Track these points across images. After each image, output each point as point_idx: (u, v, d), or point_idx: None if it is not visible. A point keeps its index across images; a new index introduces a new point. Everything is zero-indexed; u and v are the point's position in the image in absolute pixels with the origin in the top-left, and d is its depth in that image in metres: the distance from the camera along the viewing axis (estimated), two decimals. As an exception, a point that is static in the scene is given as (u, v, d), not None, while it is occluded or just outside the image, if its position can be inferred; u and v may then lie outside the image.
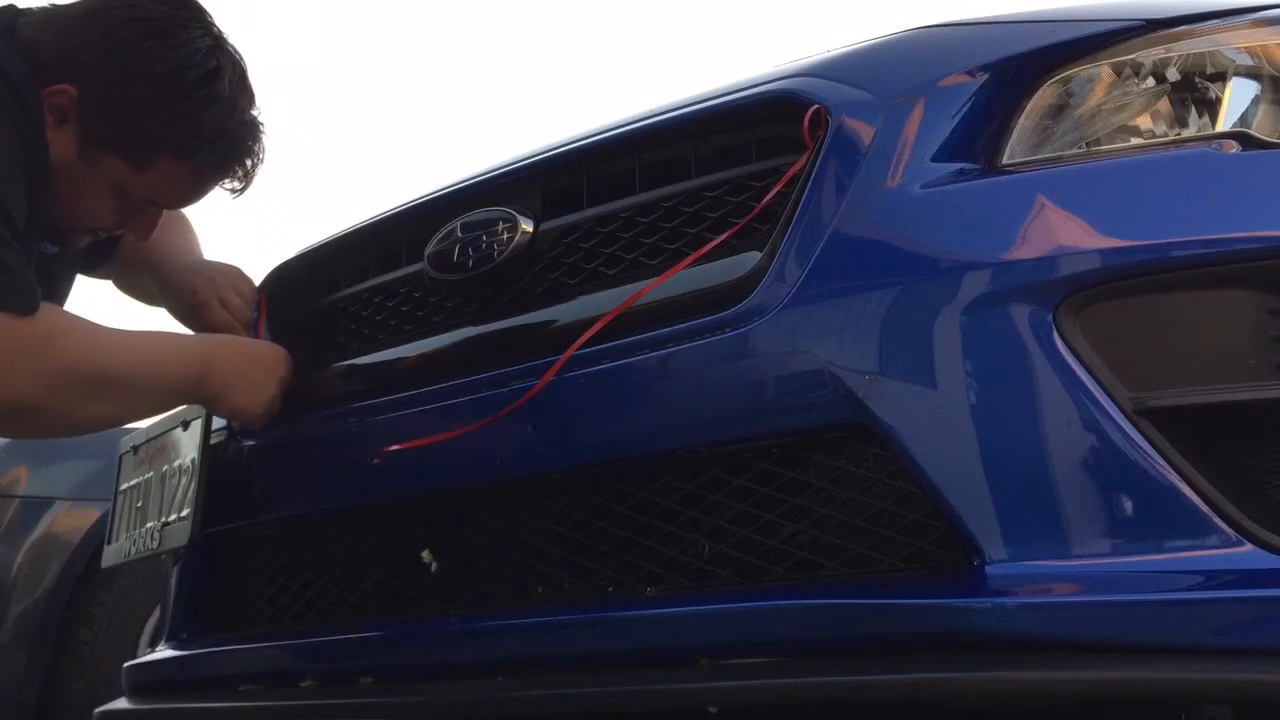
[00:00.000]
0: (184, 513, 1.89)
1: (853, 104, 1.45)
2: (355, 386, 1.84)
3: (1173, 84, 1.41)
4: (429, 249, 1.77)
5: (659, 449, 1.46)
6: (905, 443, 1.29)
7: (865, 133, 1.42)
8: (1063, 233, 1.29)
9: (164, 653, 2.05)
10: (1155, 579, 1.22)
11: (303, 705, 1.75)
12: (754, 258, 1.45)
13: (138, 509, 2.06)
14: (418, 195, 1.92)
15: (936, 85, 1.44)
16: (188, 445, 1.95)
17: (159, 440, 2.05)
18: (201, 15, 1.88)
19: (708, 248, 1.49)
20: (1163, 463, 1.23)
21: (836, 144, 1.42)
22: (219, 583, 2.03)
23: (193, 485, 1.89)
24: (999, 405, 1.27)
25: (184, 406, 1.95)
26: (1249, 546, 1.22)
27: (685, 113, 1.62)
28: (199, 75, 1.82)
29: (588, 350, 1.51)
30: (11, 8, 1.88)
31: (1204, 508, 1.22)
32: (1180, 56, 1.41)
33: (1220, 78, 1.40)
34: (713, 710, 1.36)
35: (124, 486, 2.13)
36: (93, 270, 2.15)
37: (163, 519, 1.95)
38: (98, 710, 2.06)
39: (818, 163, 1.43)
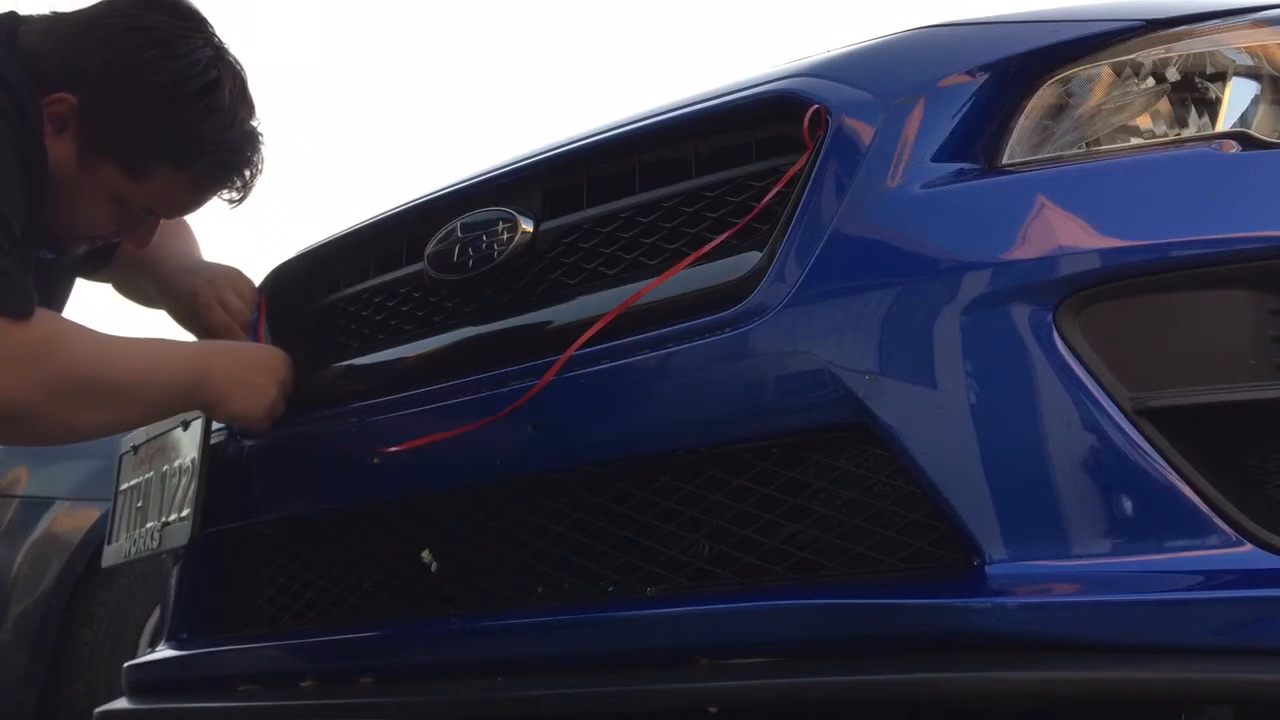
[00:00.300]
0: (184, 513, 1.89)
1: (853, 104, 1.45)
2: (355, 386, 1.84)
3: (1173, 84, 1.41)
4: (429, 249, 1.77)
5: (659, 449, 1.46)
6: (905, 443, 1.29)
7: (865, 133, 1.42)
8: (1062, 233, 1.29)
9: (164, 653, 2.05)
10: (1155, 579, 1.22)
11: (303, 705, 1.75)
12: (754, 258, 1.45)
13: (138, 509, 2.06)
14: (418, 195, 1.92)
15: (936, 85, 1.44)
16: (188, 445, 1.95)
17: (159, 440, 2.05)
18: (202, 26, 1.88)
19: (708, 248, 1.49)
20: (1163, 463, 1.23)
21: (836, 144, 1.42)
22: (219, 583, 2.03)
23: (193, 485, 1.89)
24: (999, 405, 1.27)
25: (184, 410, 1.94)
26: (1249, 546, 1.22)
27: (685, 113, 1.62)
28: (199, 86, 1.82)
29: (588, 350, 1.51)
30: (13, 15, 1.87)
31: (1204, 508, 1.22)
32: (1180, 56, 1.41)
33: (1220, 78, 1.40)
34: (713, 710, 1.36)
35: (124, 486, 2.13)
36: (92, 273, 2.15)
37: (163, 519, 1.95)
38: (98, 710, 2.06)
39: (818, 163, 1.43)
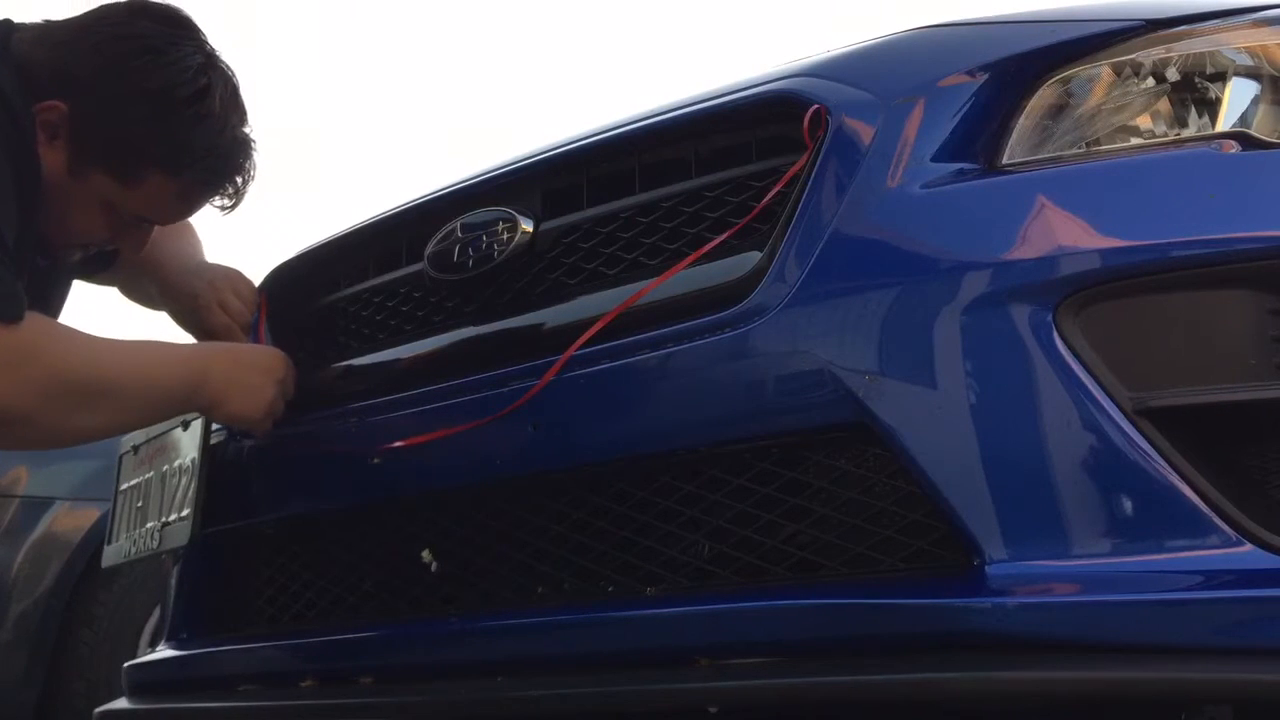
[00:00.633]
0: (184, 513, 1.89)
1: (853, 104, 1.45)
2: (355, 386, 1.84)
3: (1173, 84, 1.41)
4: (429, 249, 1.77)
5: (659, 449, 1.46)
6: (905, 443, 1.29)
7: (865, 133, 1.42)
8: (1062, 233, 1.29)
9: (164, 653, 2.05)
10: (1155, 579, 1.22)
11: (303, 705, 1.75)
12: (754, 258, 1.45)
13: (138, 509, 2.06)
14: (418, 195, 1.92)
15: (936, 85, 1.44)
16: (188, 445, 1.95)
17: (159, 440, 2.05)
18: (194, 33, 1.88)
19: (708, 248, 1.49)
20: (1163, 463, 1.23)
21: (836, 144, 1.42)
22: (219, 583, 2.03)
23: (193, 485, 1.89)
24: (999, 405, 1.27)
25: (184, 410, 1.94)
26: (1249, 546, 1.22)
27: (685, 113, 1.62)
28: (190, 92, 1.81)
29: (588, 350, 1.51)
30: (7, 22, 1.87)
31: (1204, 508, 1.22)
32: (1180, 56, 1.41)
33: (1220, 78, 1.40)
34: (713, 710, 1.36)
35: (124, 486, 2.13)
36: (95, 276, 2.15)
37: (163, 519, 1.95)
38: (98, 710, 2.06)
39: (818, 163, 1.43)
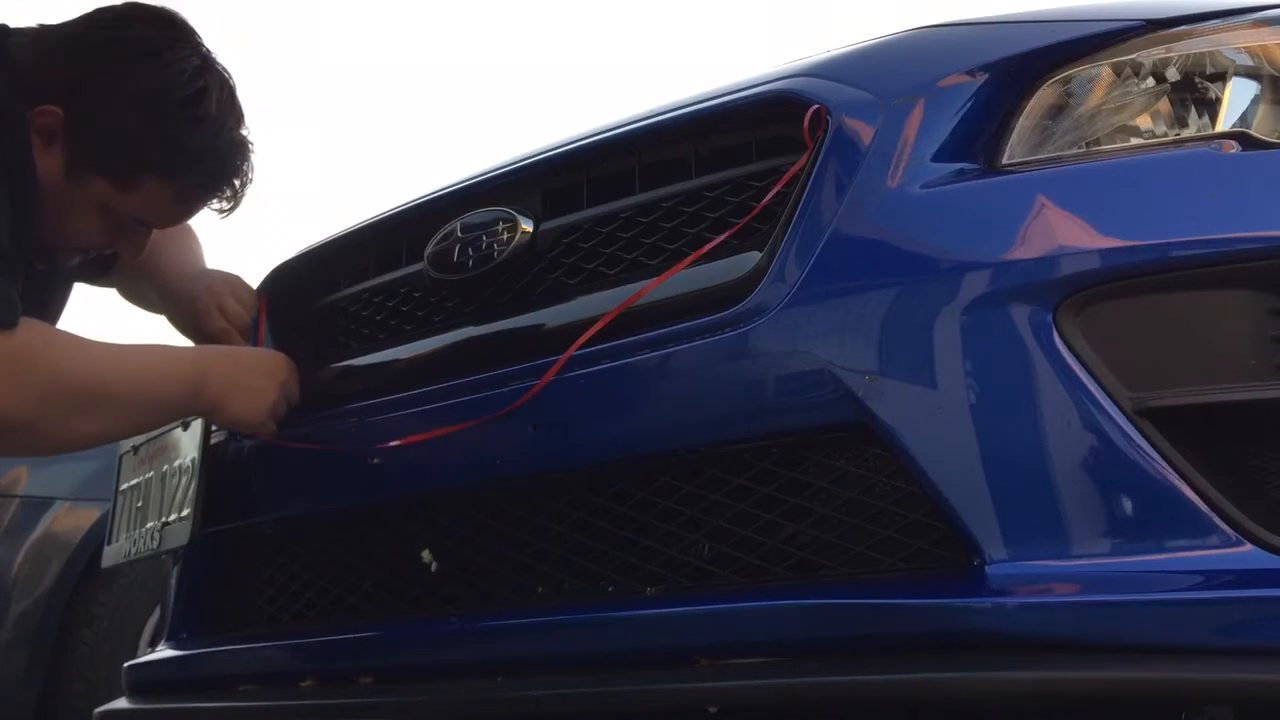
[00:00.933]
0: (184, 513, 1.89)
1: (853, 104, 1.45)
2: (355, 386, 1.84)
3: (1173, 84, 1.41)
4: (429, 249, 1.77)
5: (659, 449, 1.46)
6: (905, 443, 1.29)
7: (865, 133, 1.42)
8: (1062, 233, 1.29)
9: (164, 653, 2.05)
10: (1155, 579, 1.22)
11: (303, 705, 1.75)
12: (754, 258, 1.45)
13: (138, 509, 2.06)
14: (418, 195, 1.92)
15: (936, 85, 1.44)
16: (188, 445, 1.95)
17: (159, 440, 2.05)
18: (190, 36, 1.87)
19: (708, 248, 1.49)
20: (1163, 463, 1.23)
21: (836, 144, 1.42)
22: (219, 583, 2.03)
23: (193, 485, 1.89)
24: (999, 405, 1.27)
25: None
26: (1249, 546, 1.22)
27: (685, 113, 1.62)
28: (186, 95, 1.81)
29: (588, 350, 1.51)
30: (2, 27, 1.87)
31: (1204, 508, 1.22)
32: (1180, 56, 1.41)
33: (1220, 78, 1.40)
34: (713, 710, 1.36)
35: (124, 486, 2.13)
36: (96, 279, 2.15)
37: (163, 519, 1.95)
38: (98, 710, 2.06)
39: (818, 163, 1.43)
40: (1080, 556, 1.23)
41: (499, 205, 1.73)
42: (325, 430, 1.80)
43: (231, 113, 1.88)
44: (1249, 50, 1.41)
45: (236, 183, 1.91)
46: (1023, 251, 1.29)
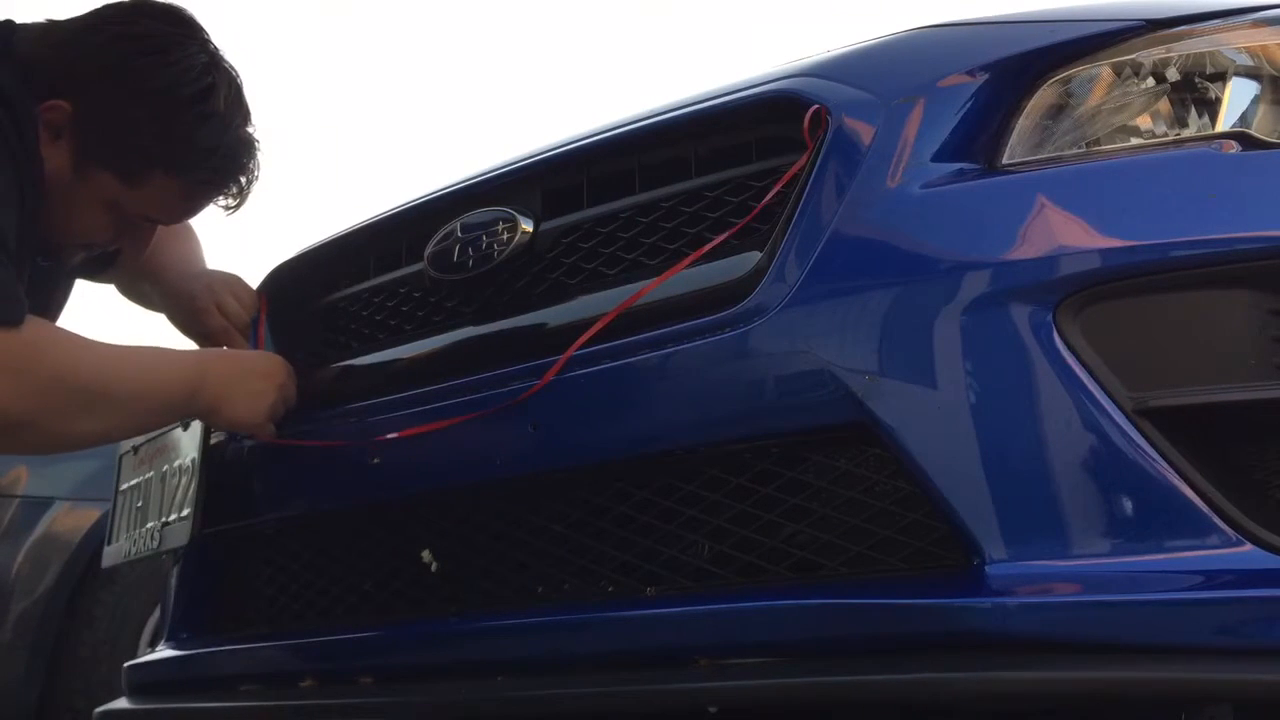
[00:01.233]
0: (184, 513, 1.89)
1: (853, 104, 1.45)
2: (355, 386, 1.84)
3: (1173, 84, 1.41)
4: (429, 249, 1.77)
5: (659, 449, 1.46)
6: (905, 443, 1.29)
7: (865, 133, 1.42)
8: (1063, 233, 1.29)
9: (164, 653, 2.05)
10: (1155, 579, 1.22)
11: (303, 705, 1.75)
12: (754, 258, 1.45)
13: (138, 509, 2.06)
14: (418, 195, 1.92)
15: (936, 85, 1.44)
16: (188, 445, 1.95)
17: (159, 440, 2.05)
18: (197, 32, 1.88)
19: (708, 248, 1.49)
20: (1163, 463, 1.23)
21: (836, 144, 1.43)
22: (219, 583, 2.03)
23: (193, 485, 1.89)
24: (999, 405, 1.27)
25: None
26: (1249, 546, 1.22)
27: (685, 113, 1.62)
28: (193, 92, 1.81)
29: (588, 350, 1.51)
30: (9, 22, 1.87)
31: (1204, 508, 1.22)
32: (1180, 56, 1.41)
33: (1220, 78, 1.40)
34: (713, 710, 1.36)
35: (124, 486, 2.13)
36: (96, 276, 2.15)
37: (163, 519, 1.95)
38: (98, 710, 2.06)
39: (818, 163, 1.43)
40: (1080, 556, 1.23)
41: (499, 205, 1.73)
42: (326, 430, 1.80)
43: (239, 110, 1.88)
44: (1249, 50, 1.41)
45: (243, 180, 1.91)
46: (1023, 251, 1.29)
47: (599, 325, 1.51)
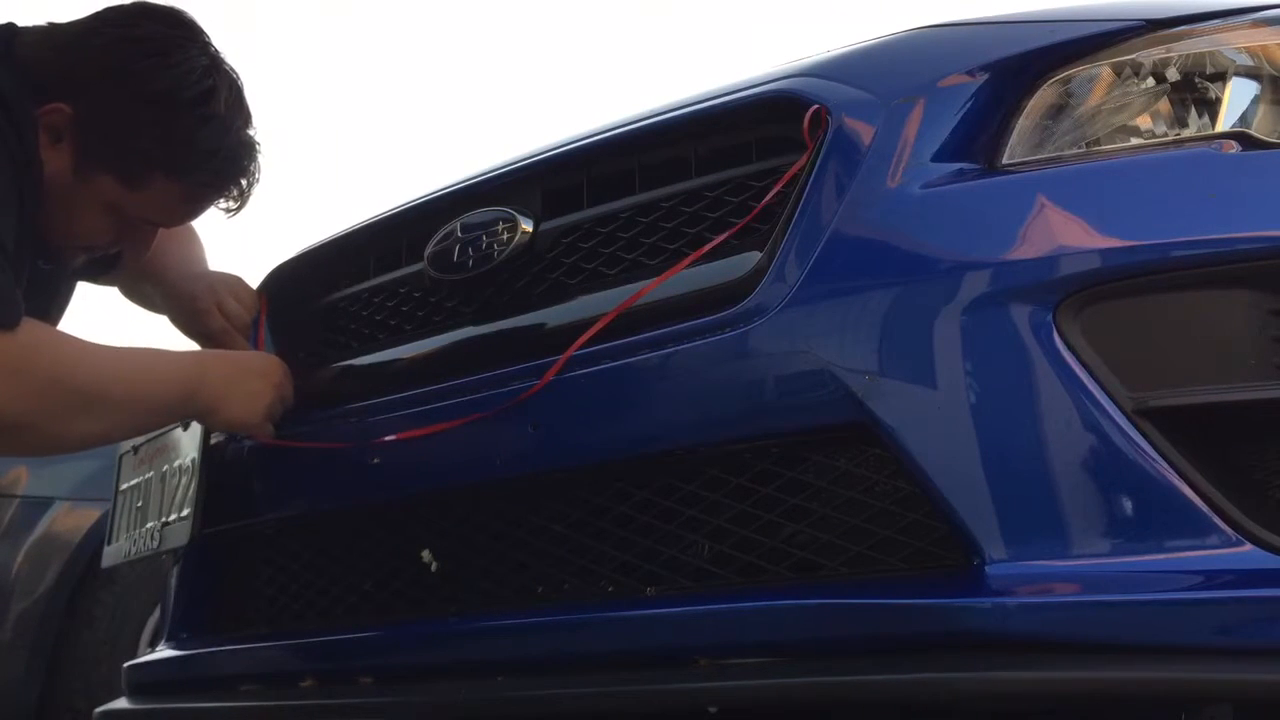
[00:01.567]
0: (184, 513, 1.89)
1: (853, 104, 1.45)
2: (355, 387, 1.84)
3: (1173, 84, 1.41)
4: (429, 249, 1.77)
5: (659, 449, 1.46)
6: (905, 443, 1.29)
7: (865, 133, 1.42)
8: (1063, 233, 1.29)
9: (164, 653, 2.05)
10: (1155, 579, 1.22)
11: (303, 705, 1.75)
12: (754, 258, 1.45)
13: (138, 509, 2.06)
14: (418, 195, 1.92)
15: (936, 85, 1.44)
16: (188, 445, 1.95)
17: (159, 440, 2.05)
18: (198, 35, 1.87)
19: (708, 248, 1.49)
20: (1163, 463, 1.23)
21: (836, 144, 1.42)
22: (219, 583, 2.03)
23: (193, 485, 1.89)
24: (999, 405, 1.27)
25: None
26: (1249, 546, 1.22)
27: (685, 113, 1.62)
28: (194, 94, 1.81)
29: (588, 350, 1.51)
30: (10, 25, 1.87)
31: (1204, 508, 1.22)
32: (1180, 56, 1.41)
33: (1220, 78, 1.40)
34: (713, 710, 1.36)
35: (124, 486, 2.13)
36: (97, 278, 2.15)
37: (163, 519, 1.95)
38: (98, 710, 2.06)
39: (818, 163, 1.43)
40: (1080, 556, 1.23)
41: (499, 205, 1.73)
42: (326, 430, 1.80)
43: (239, 112, 1.88)
44: (1249, 50, 1.41)
45: (244, 182, 1.91)
46: (1023, 251, 1.29)
47: (599, 325, 1.51)
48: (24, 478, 3.24)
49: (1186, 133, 1.39)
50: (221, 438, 1.94)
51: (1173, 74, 1.41)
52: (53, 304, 2.00)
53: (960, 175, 1.38)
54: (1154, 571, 1.22)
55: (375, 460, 1.69)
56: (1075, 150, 1.39)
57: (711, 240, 1.50)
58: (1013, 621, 1.22)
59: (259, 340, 2.05)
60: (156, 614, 3.08)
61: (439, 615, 1.68)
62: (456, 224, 1.75)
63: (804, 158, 1.44)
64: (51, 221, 1.83)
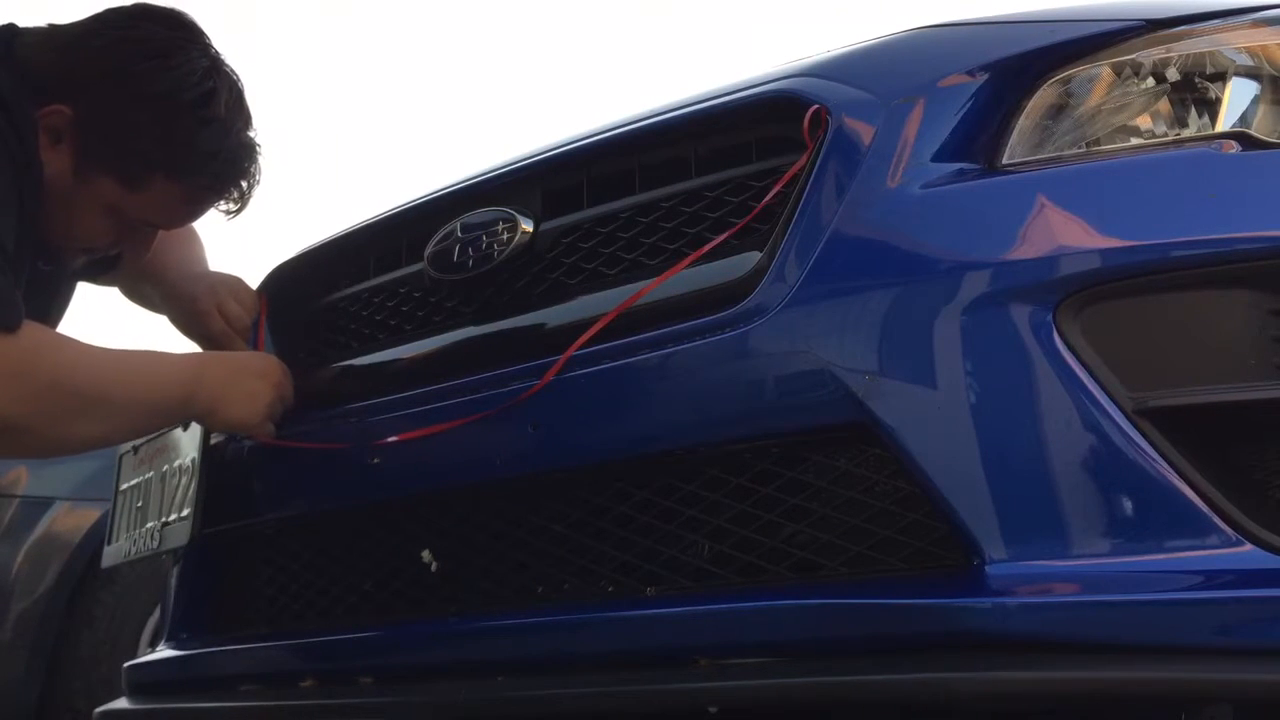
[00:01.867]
0: (184, 513, 1.89)
1: (853, 104, 1.45)
2: (355, 387, 1.84)
3: (1173, 84, 1.41)
4: (429, 249, 1.77)
5: (659, 449, 1.46)
6: (905, 443, 1.29)
7: (865, 133, 1.42)
8: (1063, 233, 1.29)
9: (164, 653, 2.05)
10: (1155, 579, 1.22)
11: (303, 705, 1.75)
12: (754, 258, 1.45)
13: (138, 509, 2.06)
14: (418, 195, 1.92)
15: (936, 85, 1.44)
16: (188, 445, 1.95)
17: (159, 440, 2.05)
18: (199, 36, 1.88)
19: (708, 248, 1.49)
20: (1163, 463, 1.23)
21: (836, 144, 1.43)
22: (219, 583, 2.03)
23: (193, 485, 1.89)
24: (999, 405, 1.27)
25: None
26: (1249, 546, 1.22)
27: (685, 113, 1.62)
28: (195, 96, 1.81)
29: (588, 350, 1.51)
30: (10, 26, 1.87)
31: (1204, 508, 1.22)
32: (1180, 57, 1.41)
33: (1220, 78, 1.40)
34: (713, 710, 1.36)
35: (124, 486, 2.13)
36: (98, 279, 2.15)
37: (163, 519, 1.95)
38: (98, 710, 2.06)
39: (818, 163, 1.43)
40: (1080, 556, 1.23)
41: (499, 205, 1.73)
42: (326, 430, 1.80)
43: (240, 114, 1.88)
44: (1249, 50, 1.41)
45: (244, 184, 1.91)
46: (1023, 251, 1.29)
47: (599, 325, 1.51)
48: (24, 478, 3.24)
49: (1186, 133, 1.39)
50: (221, 438, 1.94)
51: (1173, 74, 1.41)
52: (53, 305, 2.00)
53: (960, 175, 1.38)
54: (1154, 571, 1.22)
55: (375, 460, 1.69)
56: (1075, 150, 1.39)
57: (711, 240, 1.50)
58: (1013, 621, 1.22)
59: (259, 341, 2.05)
60: (156, 614, 3.08)
61: (439, 615, 1.68)
62: (456, 224, 1.75)
63: (804, 158, 1.44)
64: (51, 223, 1.83)
